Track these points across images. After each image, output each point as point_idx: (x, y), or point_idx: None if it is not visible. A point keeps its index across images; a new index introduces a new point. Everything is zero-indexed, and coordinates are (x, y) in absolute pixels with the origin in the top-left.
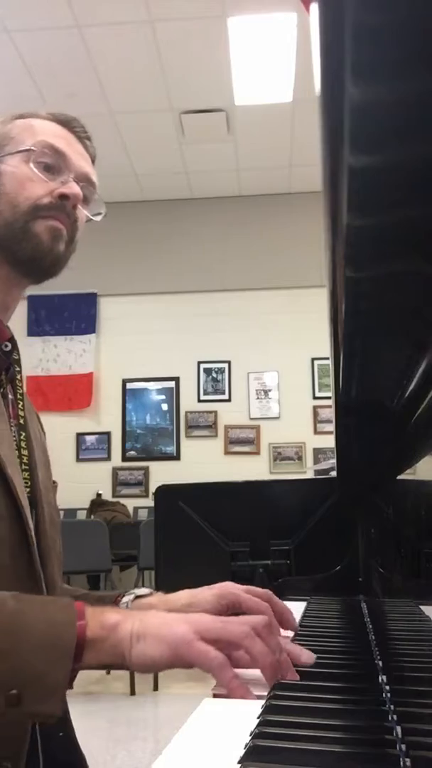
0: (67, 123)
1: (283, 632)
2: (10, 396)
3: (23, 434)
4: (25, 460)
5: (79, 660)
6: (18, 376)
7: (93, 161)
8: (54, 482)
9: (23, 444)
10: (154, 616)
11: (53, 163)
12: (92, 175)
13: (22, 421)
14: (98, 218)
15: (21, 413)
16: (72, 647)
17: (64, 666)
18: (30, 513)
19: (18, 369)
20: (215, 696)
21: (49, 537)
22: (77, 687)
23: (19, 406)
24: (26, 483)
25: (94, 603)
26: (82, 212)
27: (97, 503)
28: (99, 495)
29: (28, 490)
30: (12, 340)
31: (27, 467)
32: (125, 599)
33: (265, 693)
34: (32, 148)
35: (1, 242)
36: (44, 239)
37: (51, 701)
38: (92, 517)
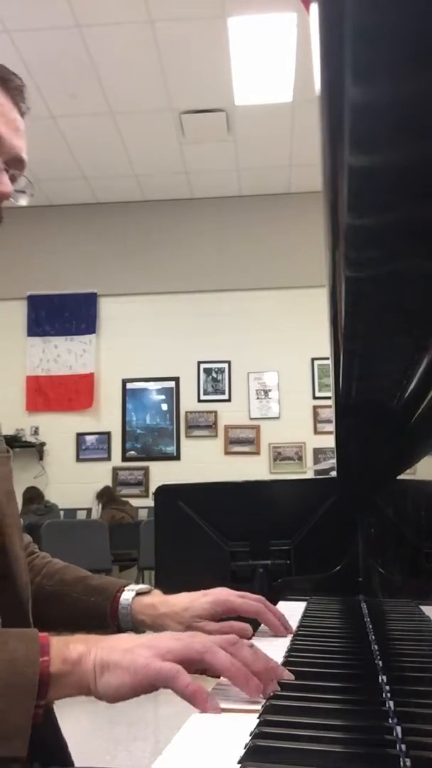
0: (3, 82)
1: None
2: None
3: None
4: None
5: (44, 697)
6: None
7: (24, 116)
8: (7, 450)
9: None
10: (118, 643)
11: None
12: (23, 153)
13: None
14: (23, 202)
15: None
16: (35, 686)
17: (25, 706)
18: None
19: None
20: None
21: (2, 506)
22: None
23: None
24: None
25: (92, 591)
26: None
27: (109, 497)
28: (107, 487)
29: None
30: None
31: None
32: (125, 596)
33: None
34: None
35: None
36: None
37: (12, 743)
38: (99, 507)
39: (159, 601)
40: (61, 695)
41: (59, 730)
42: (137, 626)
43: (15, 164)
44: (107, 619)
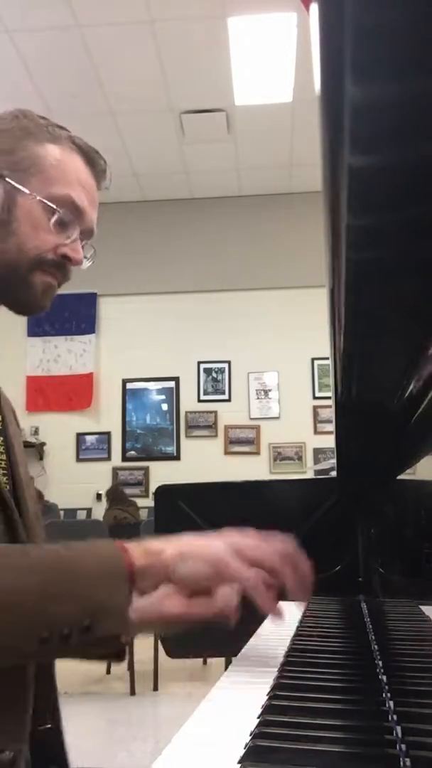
0: (92, 162)
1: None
2: None
3: (1, 438)
4: (3, 465)
5: (134, 586)
6: None
7: (99, 189)
8: (30, 477)
9: (1, 449)
10: (192, 538)
11: (68, 219)
12: (95, 225)
13: (0, 426)
14: (86, 266)
15: None
16: (125, 574)
17: (122, 591)
18: (16, 513)
19: None
20: (240, 662)
21: (34, 531)
22: (77, 687)
23: None
24: (7, 485)
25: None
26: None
27: (116, 496)
28: (117, 486)
29: (9, 488)
30: None
31: (5, 471)
32: None
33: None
34: (56, 208)
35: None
36: (38, 293)
37: (118, 622)
38: (106, 505)
39: None
40: (149, 584)
41: (62, 733)
42: None
43: (87, 235)
44: None
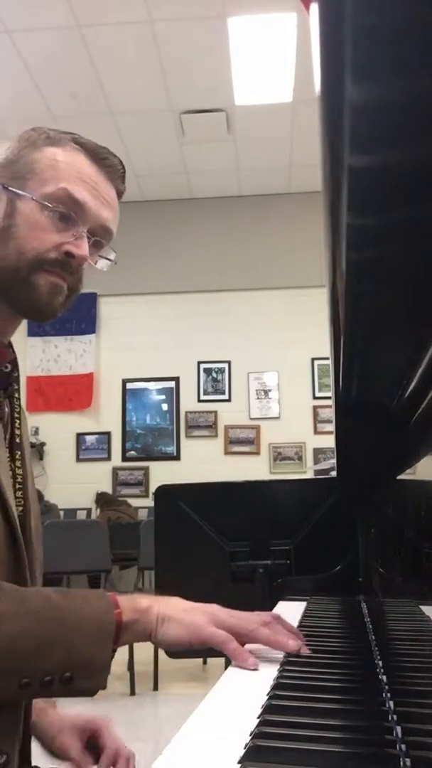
0: (99, 159)
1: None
2: (6, 410)
3: (18, 453)
4: (19, 479)
5: (117, 641)
6: (16, 394)
7: (120, 196)
8: (39, 491)
9: (18, 463)
10: (178, 603)
11: (69, 214)
12: (110, 223)
13: (18, 440)
14: (105, 267)
15: (17, 431)
16: (113, 632)
17: (107, 648)
18: (22, 533)
19: (16, 387)
20: (232, 669)
21: (36, 551)
22: None
23: (16, 424)
24: (19, 502)
25: None
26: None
27: (106, 500)
28: (103, 493)
29: (20, 508)
30: (13, 361)
31: (21, 486)
32: None
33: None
34: (48, 204)
35: (2, 284)
36: (43, 293)
37: (99, 677)
38: (98, 511)
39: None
40: (130, 640)
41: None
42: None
43: (100, 232)
44: None
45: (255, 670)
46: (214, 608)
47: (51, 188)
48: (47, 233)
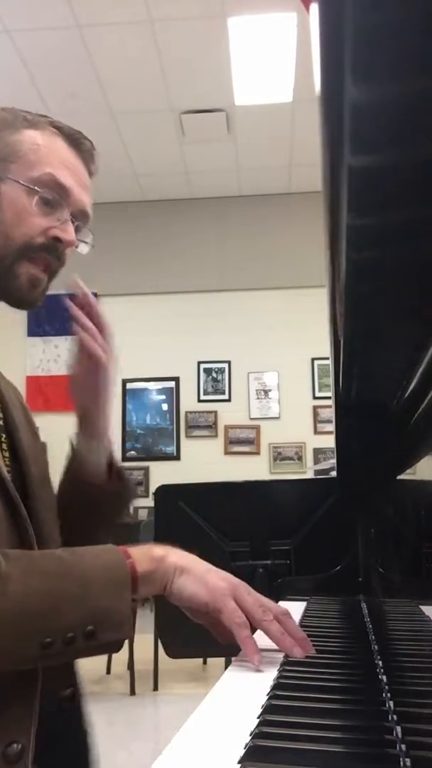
0: (76, 143)
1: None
2: None
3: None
4: (4, 451)
5: (136, 591)
6: None
7: (92, 177)
8: (43, 443)
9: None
10: (196, 559)
11: (54, 199)
12: (88, 207)
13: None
14: (85, 250)
15: None
16: (128, 582)
17: (126, 599)
18: (14, 478)
19: None
20: (240, 662)
21: (39, 498)
22: None
23: None
24: (9, 472)
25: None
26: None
27: None
28: None
29: (6, 455)
30: None
31: (6, 459)
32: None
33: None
34: (37, 188)
35: None
36: (23, 285)
37: (121, 629)
38: None
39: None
40: (149, 591)
41: (83, 723)
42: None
43: (80, 216)
44: (79, 468)
45: (257, 670)
46: (236, 580)
47: (36, 173)
48: (34, 218)
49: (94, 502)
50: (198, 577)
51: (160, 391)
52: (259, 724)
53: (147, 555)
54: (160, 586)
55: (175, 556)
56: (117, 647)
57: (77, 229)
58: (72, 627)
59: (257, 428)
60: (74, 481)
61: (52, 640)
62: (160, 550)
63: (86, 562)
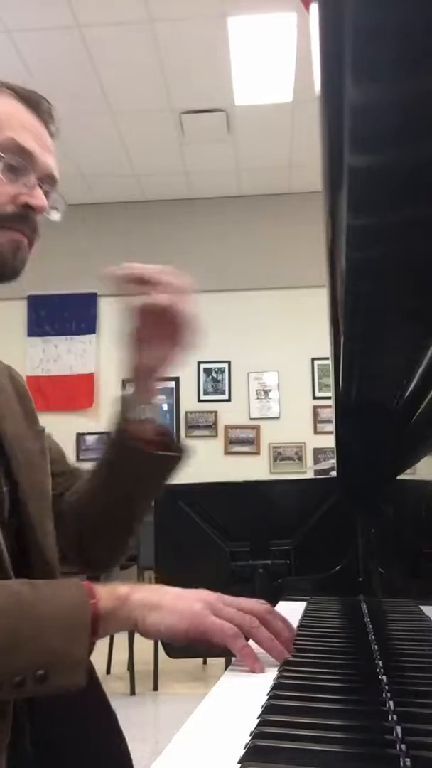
0: (34, 105)
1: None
2: None
3: None
4: None
5: (96, 633)
6: None
7: (53, 136)
8: (41, 429)
9: None
10: (164, 589)
11: (19, 164)
12: (54, 170)
13: None
14: (56, 217)
15: None
16: (89, 624)
17: (83, 642)
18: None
19: None
20: (240, 662)
21: (27, 483)
22: None
23: None
24: None
25: (108, 452)
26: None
27: None
28: None
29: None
30: None
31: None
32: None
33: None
34: (2, 155)
35: None
36: (5, 251)
37: (75, 674)
38: None
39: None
40: (111, 630)
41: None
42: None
43: (47, 181)
44: (125, 436)
45: (261, 673)
46: (209, 595)
47: None
48: (1, 186)
49: (140, 469)
50: (170, 608)
51: (160, 391)
52: (259, 724)
53: (111, 593)
54: (126, 624)
55: (141, 593)
56: (69, 692)
57: (46, 195)
58: (21, 670)
59: (257, 428)
60: (119, 447)
61: (0, 681)
62: (124, 589)
63: (45, 601)
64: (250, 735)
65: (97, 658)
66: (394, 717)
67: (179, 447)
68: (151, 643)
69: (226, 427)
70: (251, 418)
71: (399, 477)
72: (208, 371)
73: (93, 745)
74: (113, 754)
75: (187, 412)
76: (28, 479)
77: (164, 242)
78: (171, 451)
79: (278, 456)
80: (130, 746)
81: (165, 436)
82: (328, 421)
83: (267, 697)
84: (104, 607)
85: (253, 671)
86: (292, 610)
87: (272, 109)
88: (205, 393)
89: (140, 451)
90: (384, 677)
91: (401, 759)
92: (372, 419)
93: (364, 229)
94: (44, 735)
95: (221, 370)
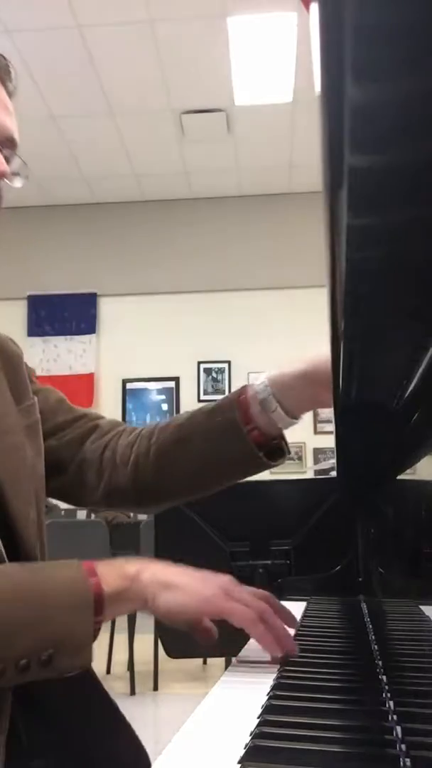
0: None
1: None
2: None
3: None
4: None
5: (101, 613)
6: None
7: (11, 97)
8: (31, 401)
9: None
10: (177, 568)
11: None
12: (14, 132)
13: None
14: (18, 183)
15: None
16: (90, 603)
17: (87, 622)
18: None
19: None
20: (240, 662)
21: (3, 467)
22: None
23: None
24: None
25: (211, 414)
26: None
27: None
28: None
29: None
30: None
31: None
32: (257, 387)
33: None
34: None
35: None
36: None
37: (80, 655)
38: (93, 516)
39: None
40: (121, 610)
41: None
42: (294, 412)
43: (7, 144)
44: (240, 428)
45: (282, 657)
46: (222, 577)
47: None
48: None
49: (237, 458)
50: (184, 587)
51: (160, 391)
52: (259, 724)
53: (117, 572)
54: (138, 604)
55: (151, 571)
56: (80, 670)
57: (7, 160)
58: (26, 654)
59: None
60: (231, 428)
61: (3, 667)
62: (133, 566)
63: (43, 583)
64: (250, 735)
65: (97, 658)
66: (394, 717)
67: (278, 459)
68: (151, 643)
69: None
70: None
71: (399, 477)
72: (208, 371)
73: (99, 743)
74: (124, 749)
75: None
76: (5, 463)
77: (164, 242)
78: (270, 459)
79: None
80: None
81: (275, 444)
82: (328, 421)
83: (267, 697)
84: (110, 586)
85: (274, 654)
86: (292, 610)
87: (272, 109)
88: (205, 393)
89: (248, 444)
90: (384, 677)
91: (401, 759)
92: (372, 419)
93: (364, 229)
94: (44, 738)
95: (221, 370)
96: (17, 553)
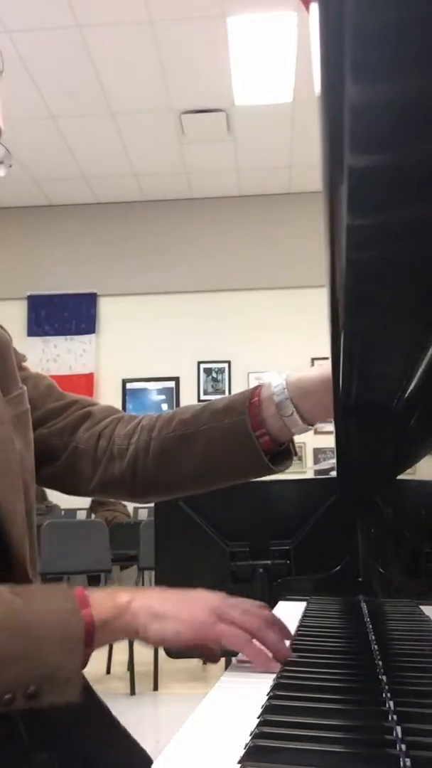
0: None
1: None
2: None
3: None
4: None
5: (91, 645)
6: None
7: None
8: (20, 390)
9: None
10: (167, 595)
11: None
12: None
13: None
14: (1, 173)
15: None
16: (81, 636)
17: (76, 655)
18: None
19: None
20: (239, 662)
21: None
22: None
23: None
24: None
25: (220, 414)
26: None
27: (99, 502)
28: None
29: None
30: None
31: None
32: (273, 388)
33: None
34: None
35: None
36: None
37: (68, 689)
38: (93, 516)
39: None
40: (109, 639)
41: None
42: (310, 419)
43: None
44: (249, 434)
45: (263, 671)
46: (213, 598)
47: None
48: None
49: (242, 463)
50: (175, 616)
51: (160, 391)
52: (259, 724)
53: (109, 601)
54: (126, 633)
55: (142, 600)
56: (68, 704)
57: None
58: (11, 688)
59: None
60: (240, 434)
61: None
62: (124, 596)
63: (34, 613)
64: (250, 735)
65: (98, 659)
66: (394, 717)
67: (284, 463)
68: None
69: None
70: None
71: (399, 477)
72: (208, 371)
73: (95, 751)
74: (122, 755)
75: None
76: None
77: (164, 242)
78: (275, 463)
79: None
80: None
81: (283, 449)
82: (328, 421)
83: (267, 697)
84: (100, 617)
85: (270, 671)
86: (292, 610)
87: (272, 109)
88: (205, 393)
89: (256, 450)
90: (384, 677)
91: (401, 759)
92: (372, 419)
93: (364, 229)
94: (42, 742)
95: (221, 370)
96: (3, 545)
